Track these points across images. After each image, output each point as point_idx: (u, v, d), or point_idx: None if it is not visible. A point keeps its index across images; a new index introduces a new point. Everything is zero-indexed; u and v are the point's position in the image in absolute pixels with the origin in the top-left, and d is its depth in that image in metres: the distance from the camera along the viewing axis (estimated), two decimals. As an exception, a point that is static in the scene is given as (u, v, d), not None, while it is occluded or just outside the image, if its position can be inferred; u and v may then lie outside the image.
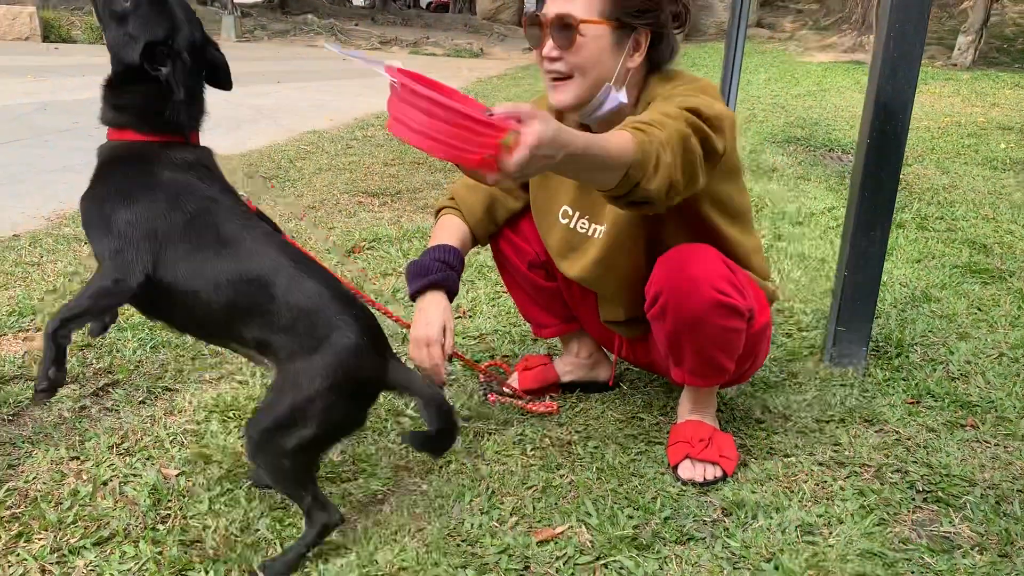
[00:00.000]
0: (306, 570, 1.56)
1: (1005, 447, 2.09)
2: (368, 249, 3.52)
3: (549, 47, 1.74)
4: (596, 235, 1.95)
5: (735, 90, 5.24)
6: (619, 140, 1.45)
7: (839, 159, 6.05)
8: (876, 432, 2.14)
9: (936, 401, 2.32)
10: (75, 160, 5.05)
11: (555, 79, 1.77)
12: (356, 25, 16.30)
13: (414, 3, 32.50)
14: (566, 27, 1.71)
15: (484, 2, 22.02)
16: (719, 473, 1.89)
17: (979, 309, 3.05)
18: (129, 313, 2.69)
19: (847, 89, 10.40)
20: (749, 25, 5.22)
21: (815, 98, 9.43)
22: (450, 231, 2.07)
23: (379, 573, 1.56)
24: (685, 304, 1.76)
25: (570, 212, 1.99)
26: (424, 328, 1.86)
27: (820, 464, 1.98)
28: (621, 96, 1.78)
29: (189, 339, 2.52)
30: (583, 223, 1.98)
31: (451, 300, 1.94)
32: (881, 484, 1.91)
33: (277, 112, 6.96)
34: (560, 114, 1.86)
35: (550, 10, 1.72)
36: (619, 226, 1.88)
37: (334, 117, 6.73)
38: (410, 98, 1.19)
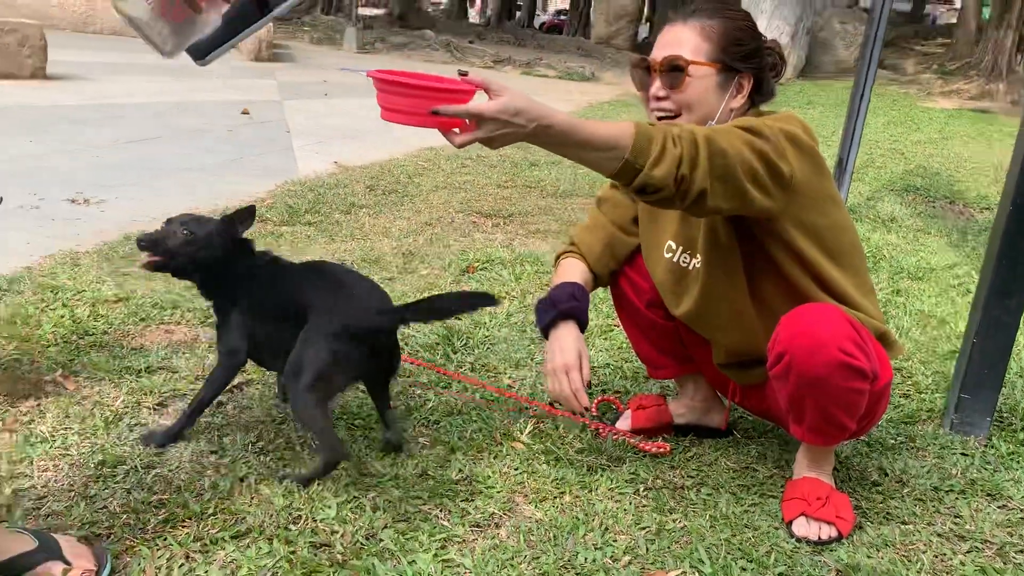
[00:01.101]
0: (427, 585, 1.62)
1: None
2: (481, 270, 3.60)
3: (657, 87, 1.85)
4: (695, 267, 1.99)
5: (859, 133, 5.15)
6: (617, 125, 1.54)
7: (961, 213, 5.85)
8: (999, 508, 2.08)
9: (1064, 480, 2.23)
10: (208, 160, 5.33)
11: (662, 117, 1.87)
12: (471, 42, 16.62)
13: (528, 23, 32.93)
14: (676, 68, 1.82)
15: (599, 26, 22.16)
16: (835, 533, 1.88)
17: (1112, 387, 2.91)
18: (261, 315, 2.84)
19: (972, 139, 10.04)
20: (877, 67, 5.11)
21: (937, 146, 9.14)
22: (572, 271, 2.14)
23: (496, 596, 1.61)
24: (810, 365, 1.75)
25: (673, 246, 2.03)
26: (560, 356, 1.92)
27: (939, 535, 1.94)
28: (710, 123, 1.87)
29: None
30: (685, 257, 2.02)
31: (582, 331, 1.99)
32: (1004, 563, 1.86)
33: (397, 126, 7.19)
34: None
35: (658, 54, 1.84)
36: (712, 255, 1.92)
37: (450, 134, 6.92)
38: (384, 87, 1.45)
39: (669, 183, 1.56)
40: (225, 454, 2.01)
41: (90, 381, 2.30)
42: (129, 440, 2.03)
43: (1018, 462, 2.32)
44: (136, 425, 2.10)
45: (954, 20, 23.79)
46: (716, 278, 1.93)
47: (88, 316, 2.71)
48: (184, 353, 2.52)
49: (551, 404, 2.39)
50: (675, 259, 2.03)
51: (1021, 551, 1.91)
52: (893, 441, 2.37)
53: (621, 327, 2.38)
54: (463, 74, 1.51)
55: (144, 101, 7.37)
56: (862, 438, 2.32)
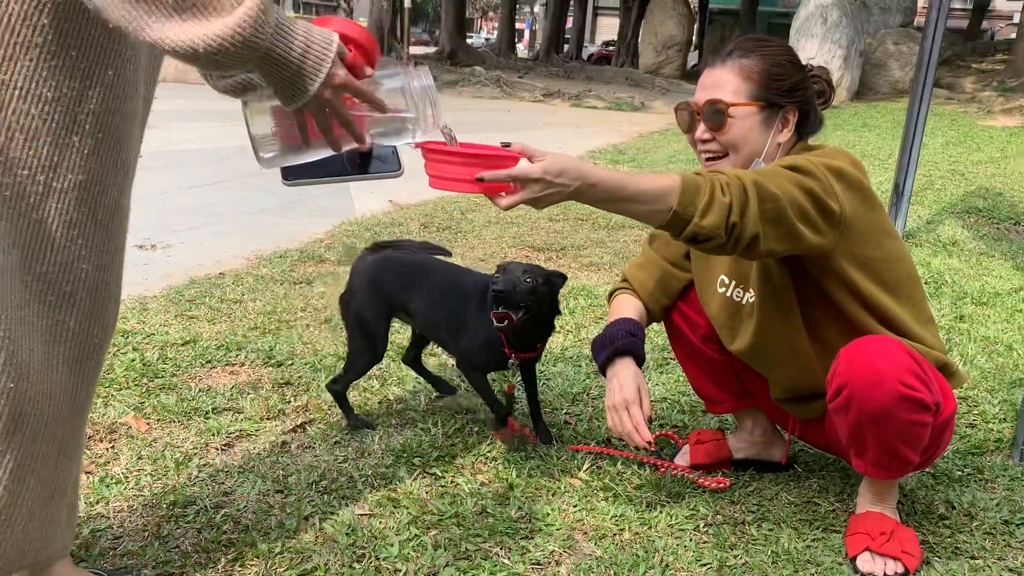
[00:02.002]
0: (489, 623, 1.64)
1: None
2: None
3: (701, 130, 1.88)
4: (749, 301, 2.00)
5: (916, 155, 5.08)
6: (663, 178, 1.58)
7: (1026, 234, 5.70)
8: (1070, 540, 2.02)
9: None
10: (270, 203, 5.49)
11: (710, 158, 1.91)
12: (520, 77, 16.83)
13: (577, 55, 33.19)
14: (717, 111, 1.85)
15: (647, 56, 22.24)
16: (901, 569, 1.84)
17: None
18: (322, 354, 2.91)
19: (1035, 157, 9.78)
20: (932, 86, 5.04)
21: (998, 166, 8.92)
22: (626, 307, 2.18)
23: (558, 634, 1.62)
24: (871, 398, 1.74)
25: (727, 281, 2.04)
26: (620, 392, 1.95)
27: (1010, 570, 1.89)
28: (757, 161, 1.89)
29: (375, 383, 2.71)
30: (739, 291, 2.03)
31: (639, 366, 2.01)
32: (1074, 596, 1.80)
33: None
34: None
35: (700, 97, 1.88)
36: (766, 291, 1.93)
37: (501, 169, 7.01)
38: (430, 156, 1.54)
39: (720, 232, 1.59)
40: (290, 493, 2.06)
41: (160, 423, 2.39)
42: (199, 480, 2.09)
43: (1091, 494, 2.24)
44: (205, 465, 2.17)
45: (1013, 35, 23.26)
46: (771, 314, 1.93)
47: (157, 359, 2.81)
48: (249, 393, 2.60)
49: (608, 441, 2.40)
50: (728, 294, 2.04)
51: (1097, 586, 1.85)
52: (960, 473, 2.32)
53: (677, 361, 2.39)
54: (506, 145, 1.59)
55: (205, 147, 7.62)
56: (927, 470, 2.27)
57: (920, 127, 5.00)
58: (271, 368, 2.81)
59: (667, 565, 1.85)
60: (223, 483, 2.10)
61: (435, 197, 5.70)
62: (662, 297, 2.20)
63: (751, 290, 1.98)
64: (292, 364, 2.84)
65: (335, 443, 2.33)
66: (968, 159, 9.31)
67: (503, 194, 1.54)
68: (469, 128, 10.09)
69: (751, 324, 1.98)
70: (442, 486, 2.13)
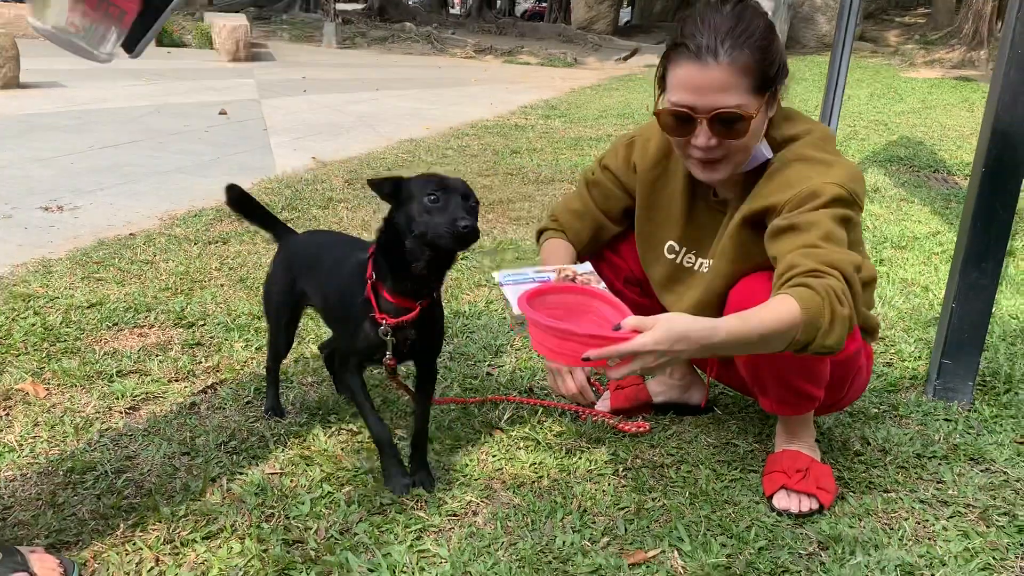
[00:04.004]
0: (402, 577, 1.60)
1: (1124, 495, 1.99)
2: (461, 260, 3.57)
3: (706, 137, 1.69)
4: (702, 269, 1.95)
5: (837, 107, 5.12)
6: (779, 309, 1.49)
7: (945, 181, 5.83)
8: (982, 472, 2.07)
9: (1048, 442, 2.22)
10: (187, 162, 5.29)
11: (706, 161, 1.75)
12: (453, 33, 16.53)
13: (509, 11, 32.77)
14: (734, 121, 1.67)
15: (579, 11, 22.04)
16: (815, 505, 1.86)
17: (1096, 346, 2.90)
18: (236, 313, 2.81)
19: (954, 107, 10.02)
20: (853, 39, 5.08)
21: (920, 116, 9.11)
22: (560, 255, 2.08)
23: (472, 585, 1.59)
24: None
25: (676, 248, 2.00)
26: None
27: (922, 502, 1.92)
28: (766, 151, 1.79)
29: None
30: (690, 258, 1.99)
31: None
32: (987, 527, 1.84)
33: (376, 119, 7.13)
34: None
35: (703, 103, 1.66)
36: (726, 262, 1.87)
37: (431, 126, 6.85)
38: (536, 328, 1.45)
39: (841, 343, 1.55)
40: (197, 455, 1.98)
41: (61, 388, 2.27)
42: (99, 445, 2.00)
43: (1001, 425, 2.30)
44: (107, 430, 2.07)
45: (935, -11, 23.67)
46: (725, 279, 1.88)
47: (60, 323, 2.67)
48: (157, 356, 2.49)
49: (530, 390, 2.37)
50: (678, 260, 2.00)
51: (1004, 513, 1.89)
52: (876, 410, 2.35)
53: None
54: (617, 328, 1.47)
55: (119, 106, 7.30)
56: (845, 409, 2.29)
57: (842, 78, 5.02)
58: (182, 329, 2.69)
59: (585, 510, 1.83)
60: (126, 447, 2.00)
61: (360, 152, 5.56)
62: (594, 247, 2.15)
63: (707, 258, 1.94)
64: (204, 324, 2.74)
65: (247, 403, 2.25)
66: (891, 110, 9.48)
67: (612, 362, 1.46)
68: (398, 85, 9.88)
69: (699, 289, 1.94)
70: (358, 442, 2.07)
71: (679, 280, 2.01)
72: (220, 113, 6.96)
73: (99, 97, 7.70)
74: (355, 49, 13.96)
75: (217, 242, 3.63)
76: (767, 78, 1.69)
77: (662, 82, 1.77)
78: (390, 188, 1.72)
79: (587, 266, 1.86)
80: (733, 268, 1.85)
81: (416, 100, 8.59)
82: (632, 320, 1.47)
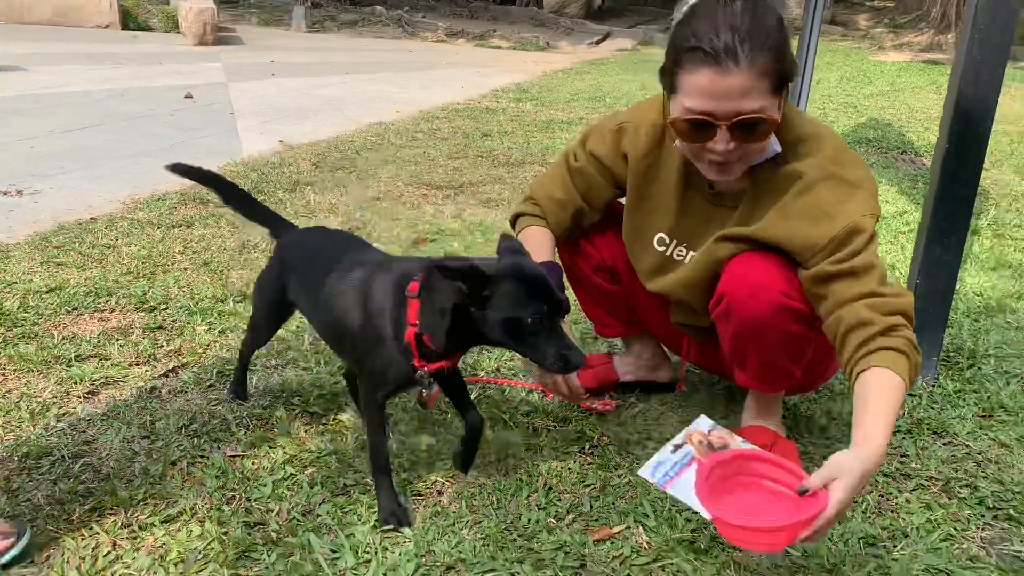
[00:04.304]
0: (366, 558, 1.58)
1: (1082, 466, 2.02)
2: (431, 241, 3.54)
3: (725, 142, 1.62)
4: (688, 259, 1.92)
5: (806, 90, 5.13)
6: (893, 388, 1.49)
7: (912, 162, 5.87)
8: (945, 445, 2.08)
9: (1009, 415, 2.24)
10: (151, 146, 5.19)
11: (720, 163, 1.68)
12: (423, 17, 16.39)
13: (481, -4, 32.50)
14: (759, 125, 1.61)
15: (551, -5, 21.91)
16: (780, 480, 1.86)
17: (1058, 322, 2.93)
18: (200, 297, 2.76)
19: (922, 89, 10.10)
20: (823, 22, 5.09)
21: (888, 99, 9.17)
22: (544, 246, 1.98)
23: (436, 563, 1.58)
24: (749, 305, 1.74)
25: (667, 240, 1.94)
26: None
27: (886, 475, 1.93)
28: (775, 145, 1.73)
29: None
30: (680, 251, 1.93)
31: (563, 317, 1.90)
32: (949, 499, 1.86)
33: (345, 103, 7.04)
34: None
35: (723, 109, 1.59)
36: (711, 253, 1.83)
37: (401, 109, 6.78)
38: (746, 532, 1.36)
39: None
40: (157, 438, 1.95)
41: (17, 373, 2.22)
42: (56, 430, 1.95)
43: (964, 400, 2.32)
44: (64, 415, 2.03)
45: (904, -26, 23.81)
46: (710, 269, 1.85)
47: (17, 308, 2.62)
48: (117, 340, 2.44)
49: (497, 370, 2.35)
50: (668, 252, 1.95)
51: (965, 485, 1.91)
52: (841, 387, 2.36)
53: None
54: (802, 492, 1.40)
55: (82, 90, 7.16)
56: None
57: (811, 62, 5.03)
58: (143, 313, 2.65)
59: (551, 488, 1.82)
60: (84, 432, 1.96)
61: (328, 135, 5.50)
62: (572, 234, 2.08)
63: (696, 248, 1.90)
64: (166, 308, 2.69)
65: (209, 386, 2.21)
66: (860, 92, 9.54)
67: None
68: (368, 68, 9.78)
69: (680, 274, 1.91)
70: (323, 424, 2.05)
71: (663, 268, 1.96)
72: (186, 97, 6.85)
73: (61, 81, 7.54)
74: (325, 33, 13.80)
75: (181, 226, 3.57)
76: (784, 78, 1.62)
77: (670, 86, 1.67)
78: (470, 286, 1.50)
79: (704, 421, 1.64)
80: (711, 256, 1.83)
81: (386, 83, 8.50)
82: (815, 479, 1.39)
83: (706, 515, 1.37)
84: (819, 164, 1.71)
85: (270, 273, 1.99)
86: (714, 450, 1.49)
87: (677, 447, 1.49)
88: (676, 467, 1.46)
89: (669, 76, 1.67)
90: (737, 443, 1.53)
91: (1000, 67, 2.21)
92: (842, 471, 1.38)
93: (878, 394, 1.49)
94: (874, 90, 9.86)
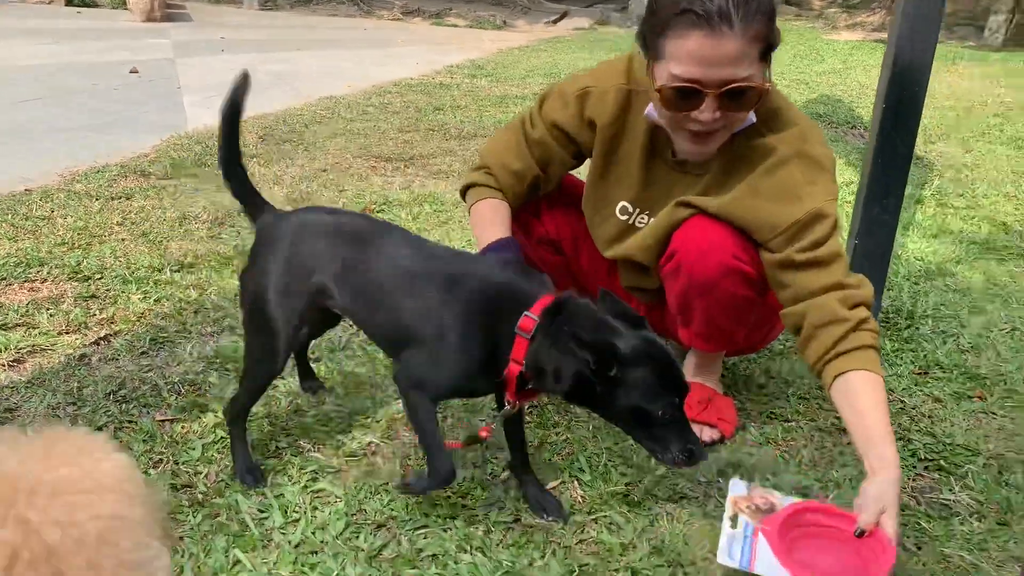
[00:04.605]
0: (295, 517, 1.56)
1: (1012, 419, 2.06)
2: (378, 212, 3.50)
3: (712, 111, 1.57)
4: (645, 224, 1.89)
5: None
6: (876, 388, 1.55)
7: (861, 136, 5.94)
8: (880, 401, 2.10)
9: (944, 372, 2.28)
10: (93, 120, 5.06)
11: (702, 132, 1.64)
12: (379, -5, 16.17)
13: (439, -25, 32.21)
14: (749, 93, 1.57)
15: (509, -25, 21.77)
16: (717, 436, 1.87)
17: (994, 285, 2.99)
18: (135, 266, 2.70)
19: (873, 67, 10.20)
20: (778, 2, 5.12)
21: (840, 76, 9.26)
22: (502, 221, 1.87)
23: (367, 522, 1.56)
24: (699, 264, 1.72)
25: (630, 209, 1.89)
26: None
27: (821, 430, 1.95)
28: (752, 116, 1.69)
29: (193, 293, 2.53)
30: (642, 219, 1.89)
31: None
32: (882, 451, 1.88)
33: (295, 78, 6.93)
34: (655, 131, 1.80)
35: (714, 76, 1.53)
36: (669, 217, 1.80)
37: (352, 84, 6.69)
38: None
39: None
40: (84, 404, 1.89)
41: (-61, 343, 2.15)
42: (-22, 398, 1.90)
43: (901, 358, 2.35)
44: (-13, 383, 1.97)
45: (858, -45, 24.05)
46: (664, 230, 1.82)
47: (-57, 279, 2.53)
48: (47, 309, 2.37)
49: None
50: (630, 221, 1.90)
51: (899, 439, 1.93)
52: (781, 347, 2.38)
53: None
54: (860, 533, 1.43)
55: (24, 64, 6.95)
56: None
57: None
58: (76, 283, 2.57)
59: (487, 446, 1.81)
60: (7, 400, 1.90)
61: (276, 109, 5.40)
62: (525, 203, 1.99)
63: (653, 216, 1.86)
64: (101, 278, 2.62)
65: (141, 353, 2.16)
66: (813, 70, 9.62)
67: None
68: (321, 45, 9.64)
69: (637, 237, 1.88)
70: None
71: (622, 235, 1.92)
72: (131, 72, 6.68)
73: (2, 56, 7.32)
74: (277, 11, 13.57)
75: (120, 197, 3.48)
76: (772, 45, 1.57)
77: (653, 51, 1.60)
78: (599, 362, 1.37)
79: (738, 484, 1.57)
80: (669, 219, 1.80)
81: (338, 60, 8.38)
82: (867, 518, 1.42)
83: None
84: (790, 140, 1.69)
85: (270, 264, 1.61)
86: (763, 513, 1.48)
87: (732, 520, 1.46)
88: (747, 542, 1.43)
89: (652, 40, 1.59)
90: (778, 499, 1.52)
91: (934, 23, 2.23)
92: (886, 502, 1.42)
93: (873, 405, 1.54)
94: (826, 68, 9.95)
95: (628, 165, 1.85)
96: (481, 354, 1.48)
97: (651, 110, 1.71)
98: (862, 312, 1.61)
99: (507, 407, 1.52)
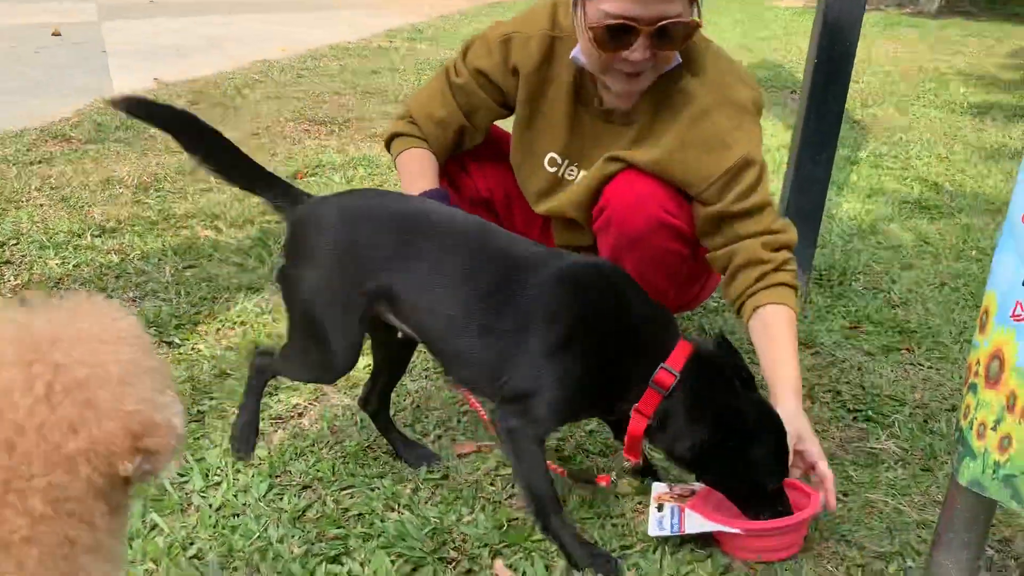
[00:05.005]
0: (216, 481, 1.51)
1: (938, 369, 2.09)
2: (311, 176, 3.42)
3: (645, 50, 1.55)
4: (577, 178, 1.85)
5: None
6: (788, 323, 1.59)
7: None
8: (812, 355, 2.13)
9: (875, 326, 2.31)
10: (11, 83, 4.86)
11: (632, 74, 1.62)
12: (318, -40, 15.76)
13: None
14: (682, 28, 1.56)
15: (451, -60, 21.44)
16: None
17: (925, 242, 3.04)
18: (53, 232, 2.59)
19: (813, 34, 10.33)
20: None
21: (781, 41, 9.33)
22: (429, 171, 1.84)
23: (292, 483, 1.52)
24: (630, 219, 1.70)
25: (558, 160, 1.86)
26: None
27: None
28: (678, 57, 1.67)
29: (115, 258, 2.43)
30: (571, 170, 1.86)
31: None
32: (812, 403, 1.90)
33: (228, 42, 6.72)
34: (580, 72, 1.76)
35: (647, 13, 1.52)
36: (600, 171, 1.77)
37: (287, 48, 6.51)
38: (764, 539, 1.41)
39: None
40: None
41: None
42: None
43: (834, 314, 2.38)
44: None
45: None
46: (598, 183, 1.78)
47: None
48: (-43, 275, 2.26)
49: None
50: (559, 173, 1.86)
51: (828, 391, 1.95)
52: (715, 304, 2.38)
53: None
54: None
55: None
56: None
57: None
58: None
59: (418, 406, 1.78)
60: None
61: (207, 73, 5.23)
62: (452, 154, 1.94)
63: (586, 167, 1.82)
64: (16, 244, 2.51)
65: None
66: (755, 36, 9.69)
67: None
68: (254, 8, 9.37)
69: (569, 193, 1.84)
70: (180, 354, 1.94)
71: (553, 189, 1.88)
72: (53, 34, 6.41)
73: (-87, 18, 6.96)
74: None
75: (39, 163, 3.33)
76: None
77: None
78: (725, 433, 1.36)
79: (659, 485, 1.55)
80: (601, 175, 1.77)
81: (273, 23, 8.16)
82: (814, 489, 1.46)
83: (735, 531, 1.38)
84: (712, 85, 1.68)
85: (316, 264, 1.40)
86: (687, 498, 1.49)
87: (659, 508, 1.46)
88: (675, 515, 1.43)
89: None
90: (699, 486, 1.52)
91: (863, -19, 2.23)
92: (798, 428, 1.46)
93: (783, 332, 1.59)
94: (768, 34, 10.03)
95: (554, 114, 1.81)
96: (596, 384, 1.40)
97: (577, 53, 1.68)
98: (784, 254, 1.64)
99: (627, 463, 1.50)
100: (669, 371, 1.37)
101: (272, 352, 1.52)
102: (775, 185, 3.52)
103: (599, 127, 1.80)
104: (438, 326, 1.38)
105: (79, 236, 2.58)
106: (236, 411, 1.56)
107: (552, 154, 1.85)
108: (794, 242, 1.67)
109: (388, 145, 1.93)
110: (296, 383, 1.82)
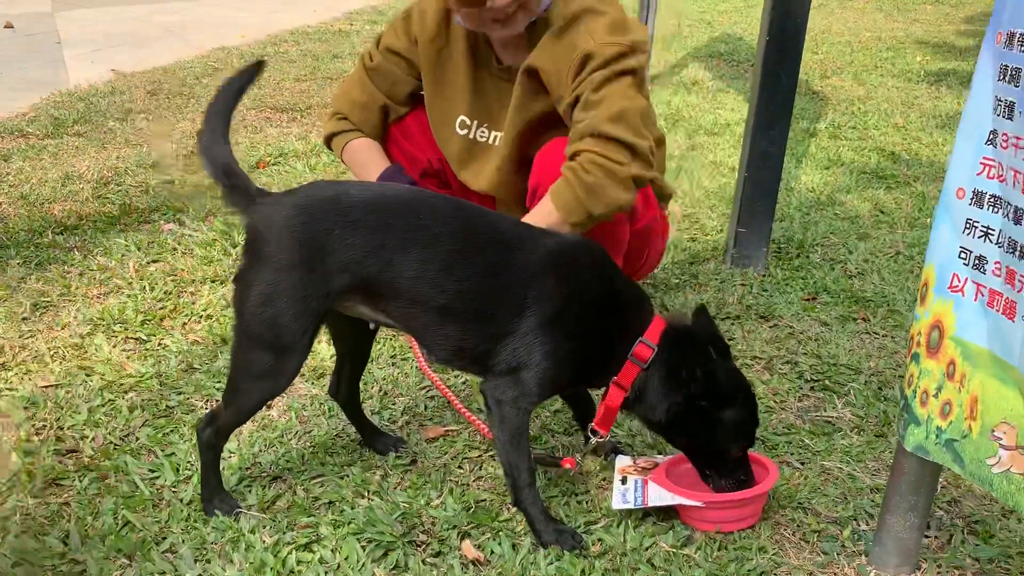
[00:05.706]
0: (187, 475, 1.53)
1: (893, 338, 2.15)
2: (274, 164, 3.40)
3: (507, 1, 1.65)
4: (496, 142, 1.91)
5: (654, 4, 5.16)
6: (545, 209, 1.63)
7: (760, 73, 6.04)
8: (770, 327, 2.18)
9: (832, 297, 2.36)
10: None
11: (498, 20, 1.70)
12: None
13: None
14: None
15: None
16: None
17: (881, 212, 3.10)
18: (14, 231, 2.57)
19: (774, 5, 10.37)
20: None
21: (742, 15, 9.35)
22: (377, 155, 1.98)
23: (262, 475, 1.54)
24: None
25: (468, 122, 1.94)
26: None
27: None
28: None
29: (77, 255, 2.42)
30: (482, 131, 1.93)
31: None
32: (771, 375, 1.95)
33: (186, 29, 6.63)
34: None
35: None
36: (517, 131, 1.84)
37: (247, 34, 6.44)
38: (723, 510, 1.45)
39: (620, 199, 1.66)
40: (-41, 375, 1.81)
41: None
42: None
43: (792, 286, 2.43)
44: None
45: None
46: (520, 150, 1.85)
47: None
48: (-83, 278, 2.24)
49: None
50: (471, 135, 1.93)
51: (786, 362, 2.00)
52: (677, 280, 2.43)
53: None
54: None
55: None
56: (645, 280, 2.35)
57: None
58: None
59: (386, 393, 1.81)
60: None
61: (164, 63, 5.17)
62: (385, 130, 2.05)
63: (498, 128, 1.89)
64: (-25, 244, 2.49)
65: (23, 319, 2.07)
66: (715, 9, 9.69)
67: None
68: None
69: (494, 161, 1.89)
70: (146, 349, 1.95)
71: (474, 156, 1.96)
72: (5, 26, 6.28)
73: None
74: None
75: (-5, 160, 3.29)
76: None
77: None
78: (702, 393, 1.41)
79: (623, 458, 1.60)
80: (518, 134, 1.82)
81: (231, 8, 8.04)
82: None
83: (696, 503, 1.42)
84: (581, 7, 1.75)
85: (300, 267, 1.33)
86: (649, 471, 1.52)
87: (623, 481, 1.50)
88: (638, 488, 1.47)
89: None
90: (661, 459, 1.57)
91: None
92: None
93: (538, 207, 1.66)
94: (728, 7, 10.02)
95: (457, 79, 1.92)
96: (583, 358, 1.43)
97: (460, 15, 1.75)
98: (582, 144, 1.64)
99: (594, 438, 1.49)
100: (647, 344, 1.41)
101: (212, 416, 1.42)
102: (734, 159, 3.57)
103: (501, 86, 1.90)
104: (427, 313, 1.37)
105: (40, 234, 2.56)
106: (198, 484, 1.47)
107: (462, 116, 1.96)
108: (619, 134, 1.64)
109: (328, 146, 2.06)
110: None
